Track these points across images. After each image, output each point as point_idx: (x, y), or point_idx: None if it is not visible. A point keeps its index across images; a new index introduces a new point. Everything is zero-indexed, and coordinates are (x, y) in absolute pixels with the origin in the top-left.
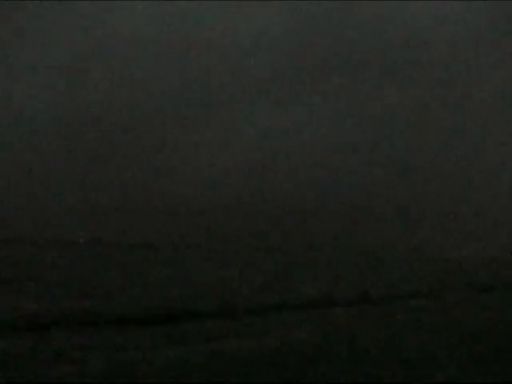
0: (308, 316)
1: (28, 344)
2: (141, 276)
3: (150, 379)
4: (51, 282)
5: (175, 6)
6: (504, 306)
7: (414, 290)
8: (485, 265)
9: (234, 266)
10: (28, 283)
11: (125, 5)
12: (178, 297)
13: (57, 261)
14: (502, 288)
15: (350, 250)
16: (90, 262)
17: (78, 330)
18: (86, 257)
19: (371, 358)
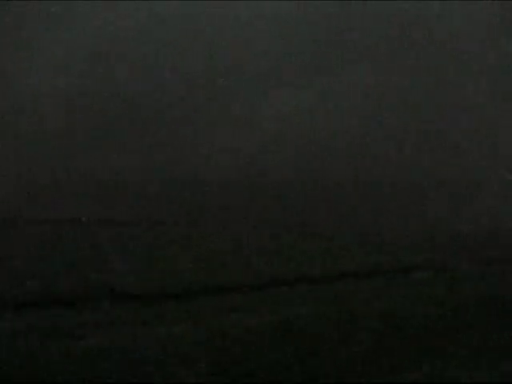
0: (310, 291)
1: (41, 321)
2: (149, 254)
3: (154, 355)
4: (60, 260)
5: None
6: (507, 279)
7: (419, 262)
8: (492, 238)
9: (240, 245)
10: (35, 262)
11: None
12: (184, 274)
13: (67, 240)
14: (508, 261)
15: (358, 225)
16: (97, 240)
17: (87, 307)
18: (93, 235)
19: (371, 331)
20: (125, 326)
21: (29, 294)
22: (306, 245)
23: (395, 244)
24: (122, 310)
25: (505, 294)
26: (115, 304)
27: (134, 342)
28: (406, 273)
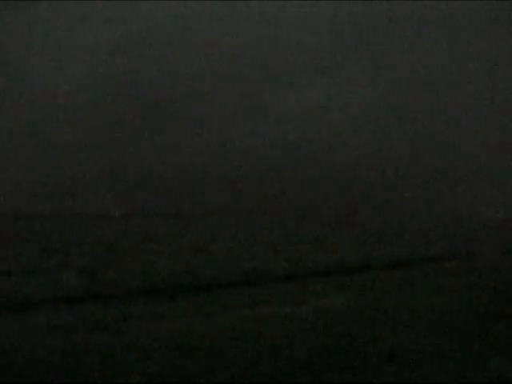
0: (343, 282)
1: (69, 317)
2: (173, 247)
3: (178, 348)
4: (88, 254)
5: None
6: None
7: (447, 252)
8: None
9: (268, 235)
10: (69, 256)
11: None
12: (211, 266)
13: (92, 234)
14: None
15: (385, 213)
16: (125, 234)
17: (113, 302)
18: (122, 230)
19: (400, 321)
20: (149, 319)
21: (72, 289)
22: (336, 236)
23: (426, 234)
24: (146, 304)
25: None
26: (138, 298)
27: (156, 336)
28: (434, 262)
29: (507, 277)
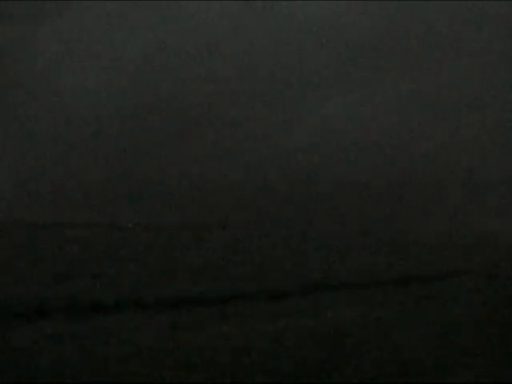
0: (357, 296)
1: (80, 327)
2: (186, 259)
3: (194, 359)
4: (104, 265)
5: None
6: None
7: (466, 267)
8: None
9: (287, 246)
10: (81, 267)
11: None
12: (226, 279)
13: (104, 245)
14: None
15: (405, 226)
16: (137, 246)
17: (128, 313)
18: (134, 241)
19: (415, 335)
20: (168, 330)
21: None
22: (350, 247)
23: (442, 248)
24: (162, 315)
25: None
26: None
27: (177, 347)
28: (452, 277)
29: None
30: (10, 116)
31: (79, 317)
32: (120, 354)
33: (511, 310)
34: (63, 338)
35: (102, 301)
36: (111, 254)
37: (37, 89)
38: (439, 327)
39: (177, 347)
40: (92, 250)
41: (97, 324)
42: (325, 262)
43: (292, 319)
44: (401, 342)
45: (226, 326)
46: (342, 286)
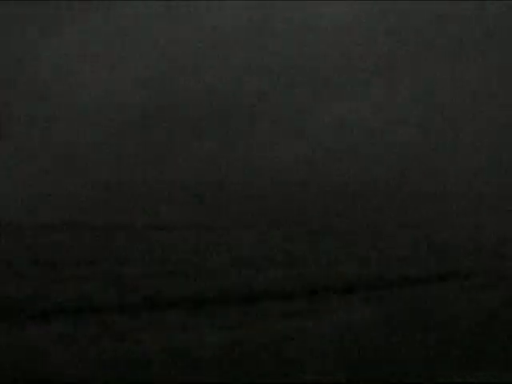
0: (369, 296)
1: (91, 327)
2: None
3: (203, 361)
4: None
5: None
6: None
7: (474, 267)
8: None
9: (297, 246)
10: (92, 267)
11: None
12: (238, 280)
13: (114, 246)
14: None
15: (421, 228)
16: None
17: (139, 314)
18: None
19: (428, 339)
20: (178, 331)
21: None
22: (362, 248)
23: (452, 248)
24: (175, 315)
25: None
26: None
27: (185, 348)
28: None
29: None
30: (25, 117)
31: (93, 317)
32: (130, 355)
33: (511, 310)
34: (77, 339)
35: (112, 301)
36: (122, 254)
37: (54, 88)
38: (439, 327)
39: (187, 347)
40: (103, 251)
41: (107, 324)
42: (329, 263)
43: (300, 320)
44: (401, 342)
45: (240, 327)
46: (352, 287)
